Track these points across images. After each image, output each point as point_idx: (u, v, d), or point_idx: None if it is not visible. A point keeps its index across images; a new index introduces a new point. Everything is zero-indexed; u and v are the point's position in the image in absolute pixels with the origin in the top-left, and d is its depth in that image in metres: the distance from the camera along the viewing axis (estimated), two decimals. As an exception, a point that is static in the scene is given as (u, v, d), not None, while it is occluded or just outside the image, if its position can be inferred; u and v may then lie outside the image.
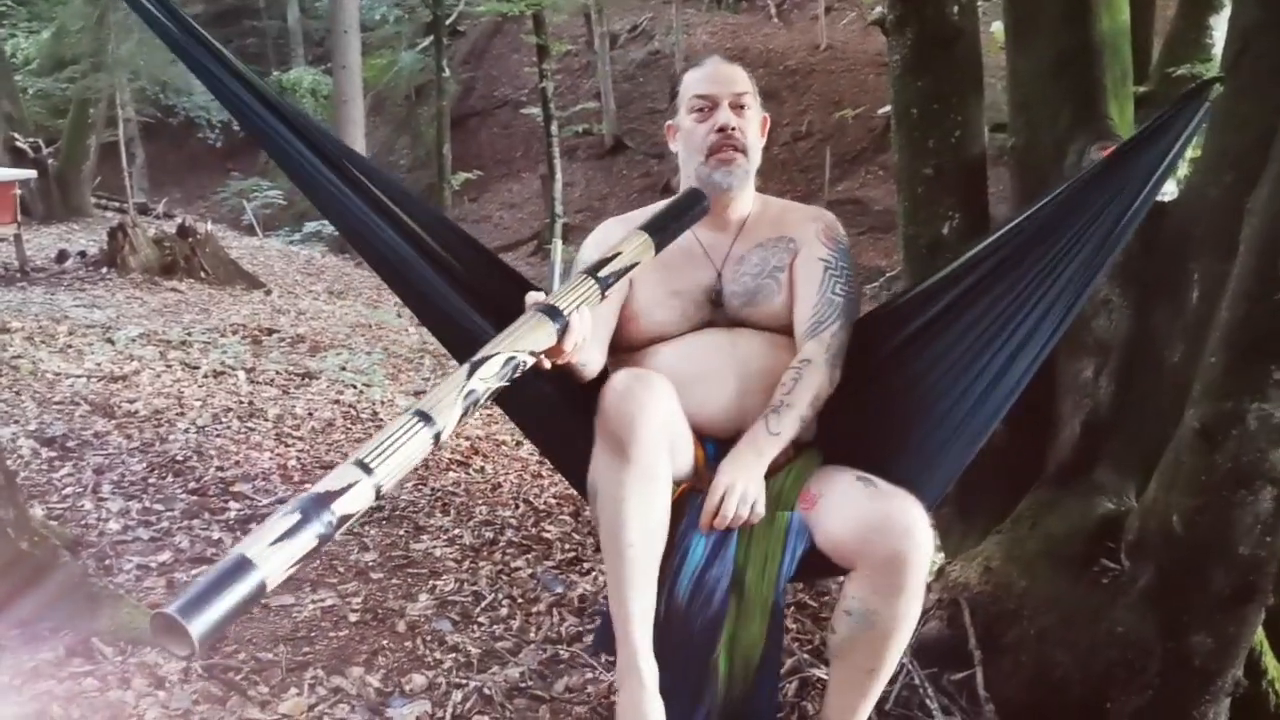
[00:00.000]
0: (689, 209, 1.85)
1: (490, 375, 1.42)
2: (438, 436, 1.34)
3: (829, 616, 1.98)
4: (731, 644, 1.72)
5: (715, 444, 1.87)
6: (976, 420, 1.87)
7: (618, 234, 1.91)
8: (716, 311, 1.96)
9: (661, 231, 1.79)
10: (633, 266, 1.70)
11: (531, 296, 1.60)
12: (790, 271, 1.97)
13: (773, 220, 2.02)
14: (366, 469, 1.23)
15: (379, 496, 1.25)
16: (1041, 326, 1.83)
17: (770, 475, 1.82)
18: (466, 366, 1.41)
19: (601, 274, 1.64)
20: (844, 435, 1.92)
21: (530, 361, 1.49)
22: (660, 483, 1.66)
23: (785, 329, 1.95)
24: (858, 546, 1.68)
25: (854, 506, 1.72)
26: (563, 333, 1.53)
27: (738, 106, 1.92)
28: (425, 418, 1.33)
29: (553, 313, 1.54)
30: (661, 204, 1.91)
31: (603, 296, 1.63)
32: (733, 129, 1.90)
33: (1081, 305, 1.85)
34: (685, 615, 1.71)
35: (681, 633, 1.71)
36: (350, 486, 1.20)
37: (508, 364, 1.45)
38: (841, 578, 1.79)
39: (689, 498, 1.80)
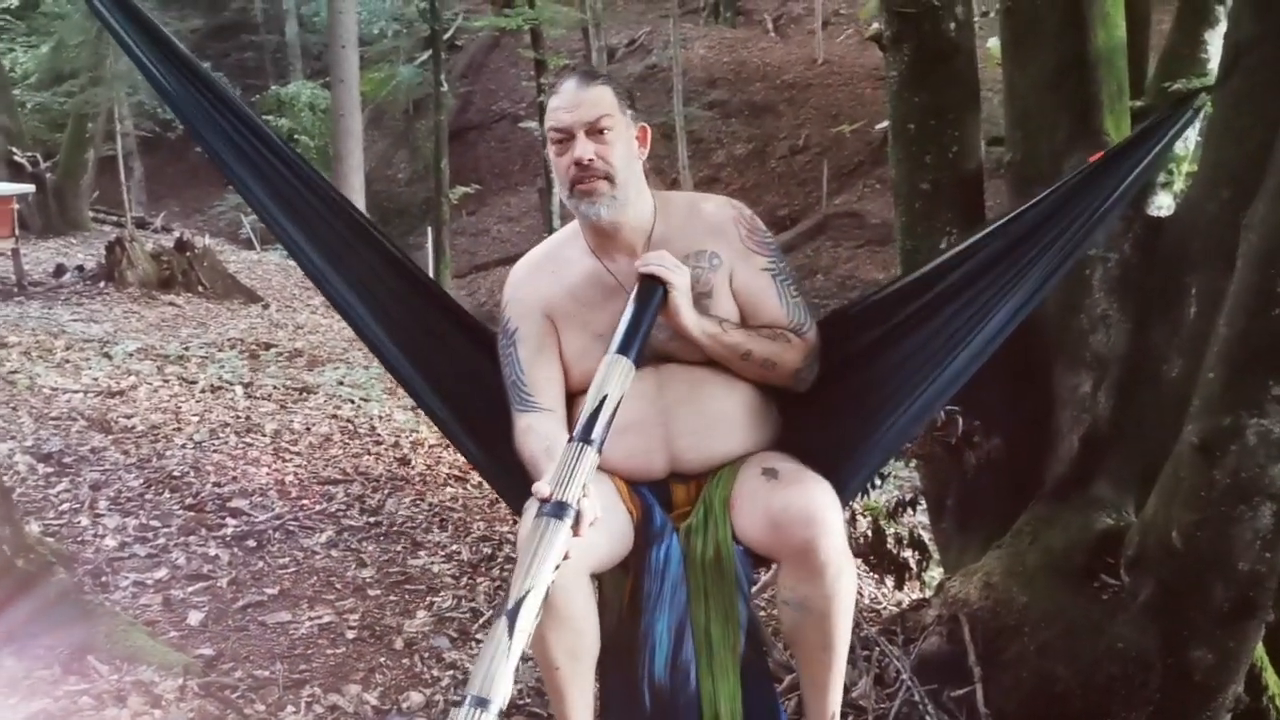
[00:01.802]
0: (648, 303, 1.75)
1: (529, 621, 1.45)
2: (501, 714, 1.37)
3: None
4: (714, 705, 1.75)
5: (653, 488, 1.86)
6: (927, 410, 1.90)
7: (535, 286, 1.91)
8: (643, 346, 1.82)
9: (632, 345, 1.71)
10: (620, 402, 1.66)
11: (537, 489, 1.56)
12: (729, 293, 1.87)
13: (682, 229, 1.89)
14: None
15: None
16: (1006, 325, 1.85)
17: (700, 484, 1.85)
18: (504, 622, 1.43)
19: (595, 434, 1.61)
20: (804, 429, 1.92)
21: (554, 579, 1.51)
22: (576, 622, 1.69)
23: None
24: (771, 542, 1.74)
25: (759, 503, 1.75)
26: (576, 523, 1.54)
27: (596, 131, 1.79)
28: (482, 703, 1.36)
29: (561, 510, 1.52)
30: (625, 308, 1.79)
31: (599, 454, 1.62)
32: (588, 161, 1.79)
33: (1041, 300, 1.87)
34: (670, 694, 1.76)
35: (669, 712, 1.76)
36: None
37: (544, 599, 1.48)
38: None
39: (641, 576, 1.79)
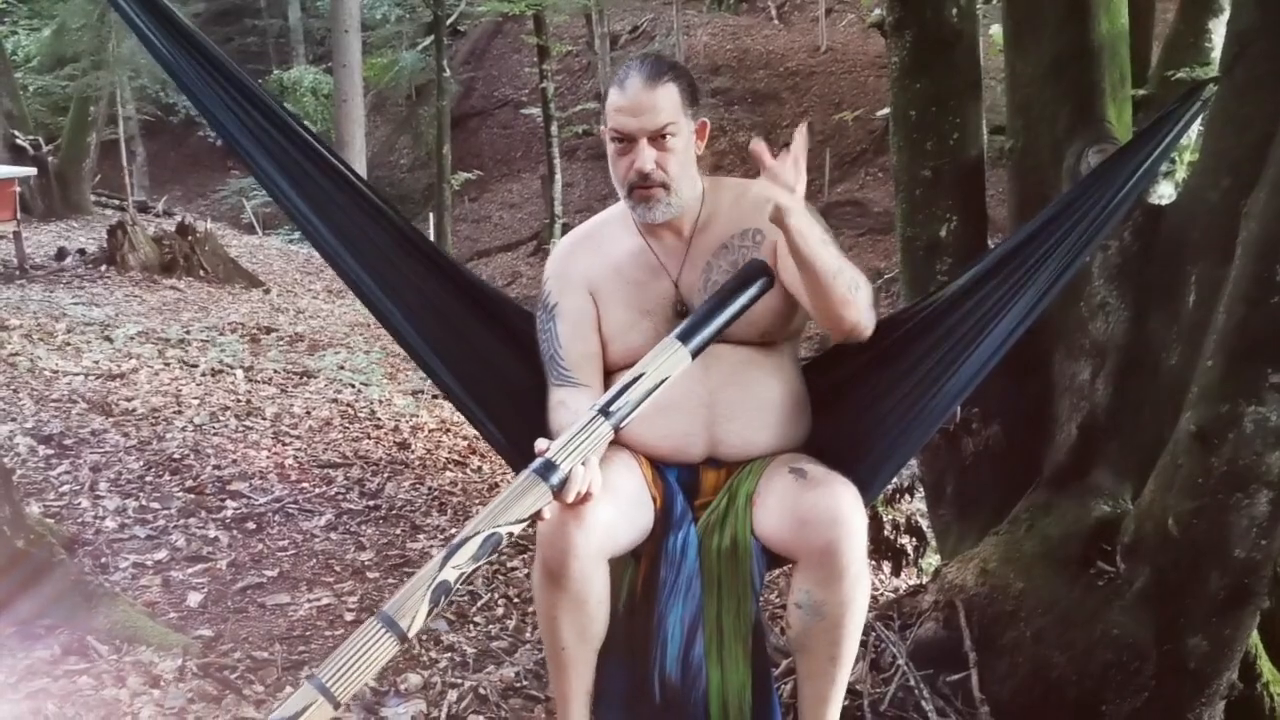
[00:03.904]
0: (726, 303, 1.69)
1: (465, 560, 1.44)
2: (403, 637, 1.40)
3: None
4: (722, 695, 1.74)
5: (681, 471, 1.85)
6: (944, 411, 1.89)
7: (578, 261, 1.90)
8: None
9: (693, 337, 1.66)
10: (659, 386, 1.63)
11: (540, 444, 1.56)
12: (775, 268, 1.81)
13: (729, 211, 1.87)
14: (327, 693, 1.34)
15: (337, 708, 1.36)
16: (1021, 322, 1.85)
17: (730, 473, 1.84)
18: (441, 554, 1.44)
19: (615, 408, 1.59)
20: (826, 430, 1.92)
21: (517, 530, 1.50)
22: (591, 605, 1.69)
23: (765, 339, 1.85)
24: (793, 541, 1.71)
25: (786, 501, 1.73)
26: (560, 489, 1.52)
27: (659, 137, 1.78)
28: (390, 622, 1.39)
29: (548, 470, 1.51)
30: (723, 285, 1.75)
31: (616, 434, 1.60)
32: (649, 172, 1.78)
33: (1054, 297, 1.87)
34: (680, 691, 1.74)
35: (679, 710, 1.75)
36: (306, 710, 1.33)
37: (486, 542, 1.46)
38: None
39: (657, 563, 1.78)
